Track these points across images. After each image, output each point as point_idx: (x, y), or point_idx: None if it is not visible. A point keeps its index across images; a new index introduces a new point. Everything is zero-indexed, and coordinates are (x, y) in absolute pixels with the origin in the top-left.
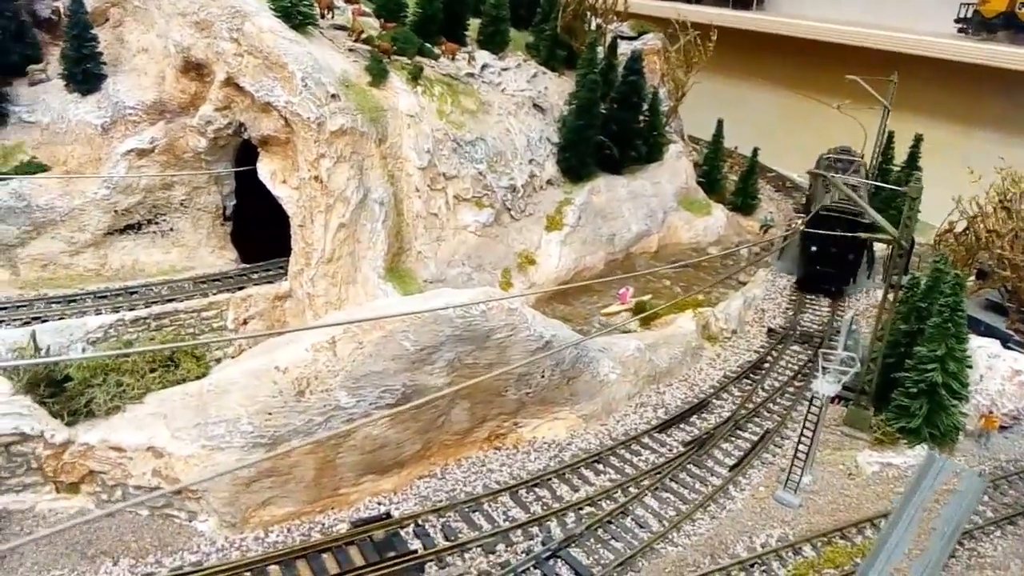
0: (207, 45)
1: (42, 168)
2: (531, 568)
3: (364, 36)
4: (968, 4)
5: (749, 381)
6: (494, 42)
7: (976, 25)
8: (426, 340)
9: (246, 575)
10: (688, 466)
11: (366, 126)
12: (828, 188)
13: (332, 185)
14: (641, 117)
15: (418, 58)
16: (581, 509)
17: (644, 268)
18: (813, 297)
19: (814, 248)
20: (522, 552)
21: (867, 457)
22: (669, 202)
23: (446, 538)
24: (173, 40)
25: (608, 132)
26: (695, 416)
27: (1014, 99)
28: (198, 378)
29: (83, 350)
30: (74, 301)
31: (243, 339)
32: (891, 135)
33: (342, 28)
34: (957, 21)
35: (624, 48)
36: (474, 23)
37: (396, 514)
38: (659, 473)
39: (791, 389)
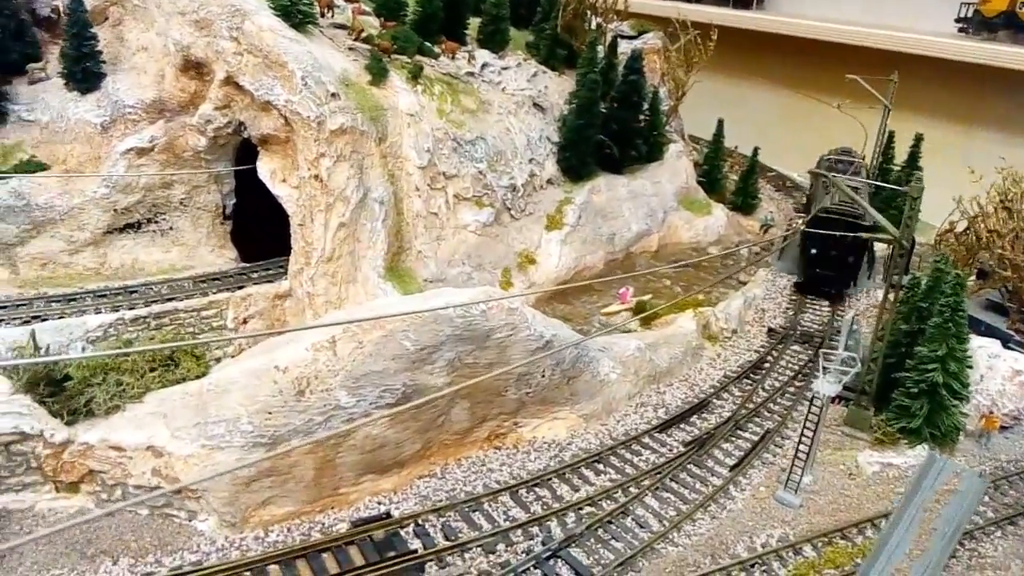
0: (207, 44)
1: (41, 167)
2: (531, 568)
3: (364, 35)
4: (969, 3)
5: (749, 381)
6: (494, 41)
7: (977, 24)
8: (426, 340)
9: (246, 575)
10: (688, 466)
11: (366, 125)
12: (828, 190)
13: (332, 184)
14: (641, 116)
15: (418, 57)
16: (581, 509)
17: (644, 268)
18: (813, 297)
19: (814, 251)
20: (522, 552)
21: (868, 457)
22: (669, 202)
23: (446, 538)
24: (173, 39)
25: (608, 131)
26: (695, 416)
27: (1015, 99)
28: (198, 377)
29: (83, 349)
30: (74, 300)
31: (243, 338)
32: (891, 135)
33: (342, 27)
34: (957, 20)
35: (624, 47)
36: (474, 22)
37: (396, 514)
38: (659, 473)
39: (791, 389)
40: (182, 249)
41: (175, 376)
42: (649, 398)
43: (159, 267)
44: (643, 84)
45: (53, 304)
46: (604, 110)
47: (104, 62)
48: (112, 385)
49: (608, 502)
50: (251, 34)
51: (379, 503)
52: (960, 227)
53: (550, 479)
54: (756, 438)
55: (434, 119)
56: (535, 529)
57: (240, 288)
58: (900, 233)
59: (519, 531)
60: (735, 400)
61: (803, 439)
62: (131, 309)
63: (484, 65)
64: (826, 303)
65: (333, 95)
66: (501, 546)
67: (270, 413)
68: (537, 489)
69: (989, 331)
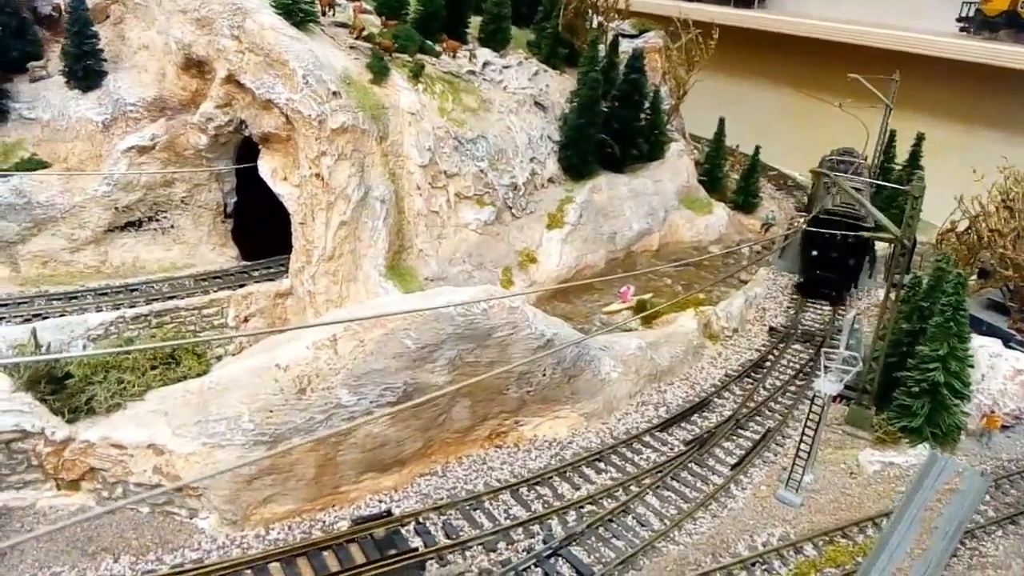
0: (208, 42)
1: (42, 165)
2: (532, 566)
3: (365, 33)
4: (970, 3)
5: (750, 380)
6: (495, 40)
7: (978, 24)
8: (427, 338)
9: (247, 572)
10: (689, 465)
11: (367, 123)
12: (830, 191)
13: (333, 183)
14: (643, 115)
15: (419, 56)
16: (582, 507)
17: (645, 267)
18: (814, 298)
19: (815, 252)
20: (523, 550)
21: (869, 456)
22: (670, 200)
23: (447, 536)
24: (174, 37)
25: (609, 130)
26: (696, 415)
27: (1016, 98)
28: (199, 375)
29: (84, 347)
30: (75, 298)
31: (244, 336)
32: (893, 134)
33: (343, 25)
34: (959, 20)
35: (625, 46)
36: (475, 21)
37: (397, 512)
38: (660, 472)
39: (792, 388)
40: (183, 247)
41: (176, 374)
42: (650, 397)
43: (160, 265)
44: (644, 83)
45: (54, 302)
46: (605, 109)
47: (105, 60)
48: (113, 383)
49: (609, 500)
50: (252, 32)
51: (380, 501)
52: (962, 226)
53: (551, 477)
54: (757, 437)
55: (435, 118)
56: (536, 527)
57: (241, 286)
58: (901, 232)
59: (520, 529)
60: (736, 399)
61: (804, 438)
62: (132, 307)
63: (485, 64)
64: (827, 302)
65: (334, 93)
66: (502, 544)
67: (271, 411)
68: (538, 487)
69: (990, 330)
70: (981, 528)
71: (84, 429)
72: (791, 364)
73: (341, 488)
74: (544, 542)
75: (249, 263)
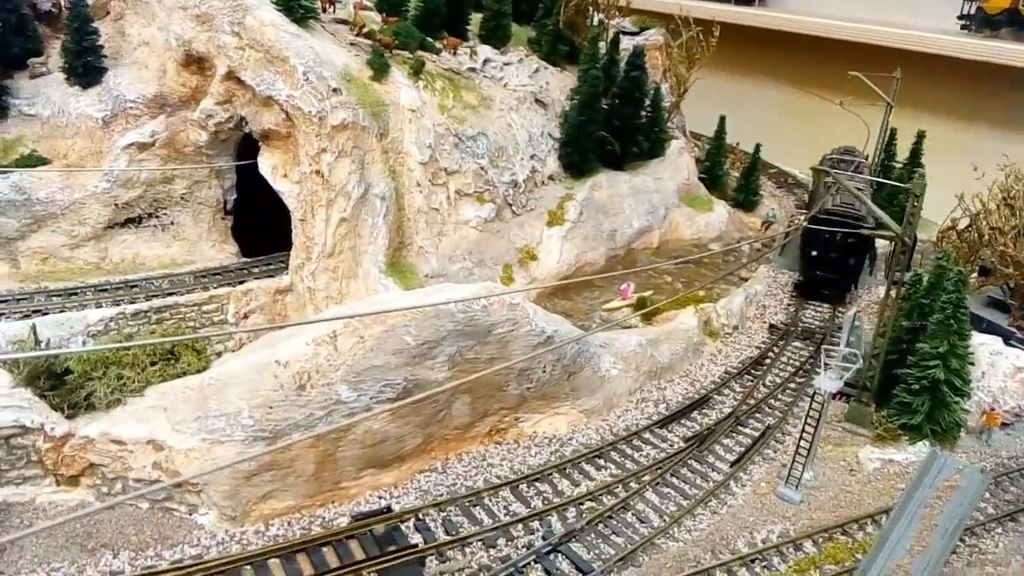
0: (208, 39)
1: (42, 161)
2: (532, 562)
3: (366, 30)
4: (971, 1)
5: (750, 377)
6: (496, 37)
7: (979, 22)
8: (427, 335)
9: (247, 568)
10: (689, 462)
11: (367, 120)
12: (829, 190)
13: (333, 179)
14: (643, 113)
15: (420, 52)
16: (582, 504)
17: (645, 264)
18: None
19: (814, 253)
20: (523, 546)
21: (868, 453)
22: (671, 198)
23: (447, 532)
24: (174, 33)
25: (610, 128)
26: (696, 412)
27: (1017, 96)
28: (199, 372)
29: (83, 343)
30: (75, 294)
31: (244, 333)
32: (893, 132)
33: (343, 22)
34: (960, 18)
35: (626, 43)
36: (476, 18)
37: (397, 508)
38: (660, 468)
39: (792, 385)
40: (183, 244)
41: (176, 370)
42: (650, 394)
43: (160, 262)
44: (645, 80)
45: (54, 298)
46: (606, 106)
47: (105, 57)
48: (113, 379)
49: (609, 497)
50: (253, 29)
51: (380, 497)
52: (962, 224)
53: (551, 474)
54: (757, 434)
55: (436, 115)
56: (535, 524)
57: (241, 283)
58: (902, 230)
59: (519, 526)
60: (736, 396)
61: (804, 435)
62: (132, 303)
63: (486, 61)
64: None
65: (335, 90)
66: (501, 540)
67: (271, 407)
68: (538, 484)
69: (991, 328)
70: (981, 525)
71: (84, 425)
72: (791, 361)
73: (341, 484)
74: (544, 538)
75: (249, 260)
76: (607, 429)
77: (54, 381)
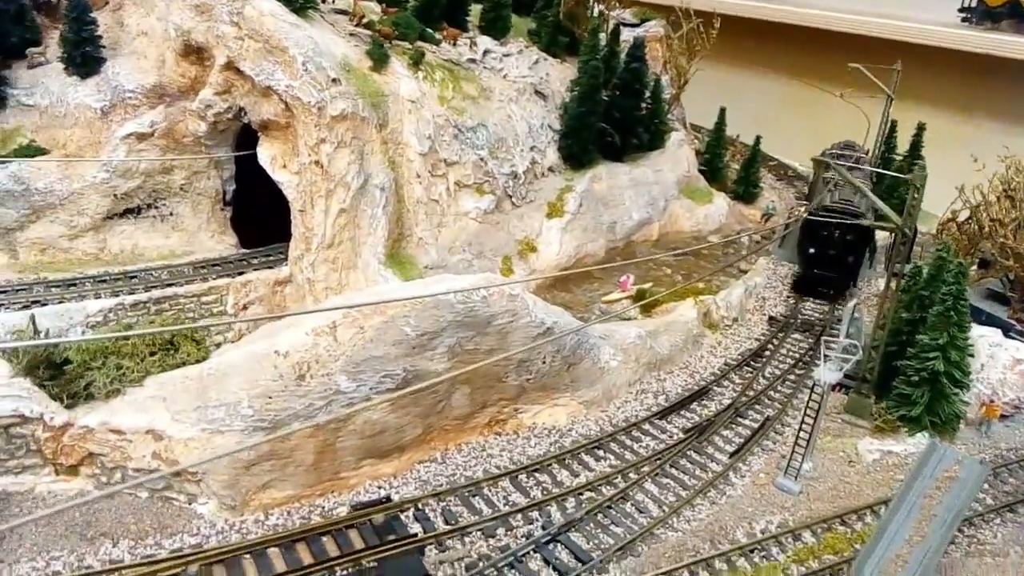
0: (207, 28)
1: (41, 151)
2: (531, 552)
3: (365, 20)
4: None
5: (750, 369)
6: (496, 28)
7: (980, 14)
8: (427, 325)
9: (246, 557)
10: (688, 452)
11: (367, 111)
12: (827, 185)
13: (332, 170)
14: (643, 104)
15: (419, 43)
16: (581, 494)
17: (645, 256)
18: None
19: (812, 250)
20: (522, 536)
21: (867, 445)
22: (670, 190)
23: (446, 522)
24: (173, 23)
25: (610, 119)
26: (695, 403)
27: (1018, 88)
28: (198, 362)
29: (82, 334)
30: (73, 285)
31: (243, 322)
32: (894, 124)
33: (343, 12)
34: (961, 10)
35: (626, 35)
36: (475, 9)
37: (396, 498)
38: (659, 459)
39: (792, 377)
40: (182, 235)
41: (175, 360)
42: (649, 385)
43: (159, 252)
44: (645, 72)
45: (53, 289)
46: (606, 98)
47: (104, 47)
48: (112, 369)
49: (608, 488)
50: (252, 19)
51: (379, 487)
52: (962, 216)
53: (550, 465)
54: (756, 425)
55: (435, 106)
56: (535, 514)
57: (240, 274)
58: (902, 221)
59: (519, 516)
60: (735, 387)
61: (803, 426)
62: (131, 294)
63: (486, 52)
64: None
65: (334, 81)
66: (501, 530)
67: (270, 397)
68: (537, 474)
69: (990, 320)
70: (979, 516)
71: (83, 414)
72: (790, 353)
73: (340, 474)
74: (543, 528)
75: (248, 251)
76: (606, 420)
77: (53, 371)
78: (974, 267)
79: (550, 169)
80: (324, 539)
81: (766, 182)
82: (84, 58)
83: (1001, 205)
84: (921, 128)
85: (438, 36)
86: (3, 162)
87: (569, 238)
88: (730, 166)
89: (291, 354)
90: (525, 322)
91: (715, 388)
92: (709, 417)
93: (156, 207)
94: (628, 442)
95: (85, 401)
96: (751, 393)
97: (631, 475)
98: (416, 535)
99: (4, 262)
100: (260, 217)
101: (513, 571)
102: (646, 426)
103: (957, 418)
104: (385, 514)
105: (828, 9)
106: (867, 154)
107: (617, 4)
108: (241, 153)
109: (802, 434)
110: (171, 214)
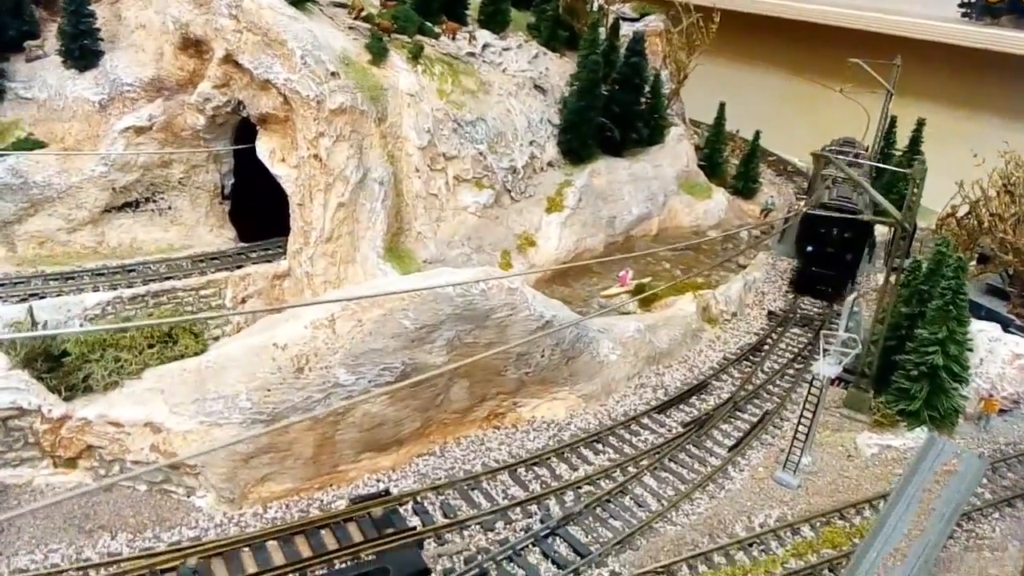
0: (205, 21)
1: (39, 145)
2: (530, 545)
3: (364, 14)
4: None
5: (749, 363)
6: (495, 22)
7: (980, 10)
8: (426, 318)
9: (245, 550)
10: (687, 447)
11: (366, 105)
12: (826, 183)
13: (331, 164)
14: (643, 99)
15: (418, 37)
16: (580, 488)
17: (644, 250)
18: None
19: (810, 249)
20: (521, 530)
21: (866, 439)
22: (670, 185)
23: (445, 515)
24: (171, 16)
25: (609, 114)
26: (694, 397)
27: (1018, 83)
28: (196, 355)
29: (80, 327)
30: (72, 278)
31: (241, 315)
32: (893, 120)
33: (342, 5)
34: (961, 6)
35: (626, 29)
36: (475, 2)
37: (395, 491)
38: (658, 453)
39: (791, 371)
40: (180, 228)
41: (173, 353)
42: (648, 379)
43: (157, 246)
44: (645, 66)
45: (51, 282)
46: (605, 92)
47: (102, 40)
48: (110, 361)
49: (607, 481)
50: (250, 12)
51: (378, 481)
52: (962, 211)
53: (549, 458)
54: (755, 419)
55: (434, 100)
56: (534, 507)
57: (239, 268)
58: (902, 216)
59: (518, 509)
60: (734, 382)
61: (802, 420)
62: (129, 288)
63: (485, 46)
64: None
65: (333, 74)
66: (500, 524)
67: (269, 390)
68: (536, 468)
69: (989, 315)
70: (978, 510)
71: (81, 407)
72: (789, 348)
73: (339, 467)
74: (542, 522)
75: (247, 244)
76: (605, 414)
77: (51, 363)
78: (973, 262)
79: (549, 164)
80: (323, 532)
81: (765, 177)
82: (82, 51)
83: (1000, 200)
84: (921, 124)
85: (437, 30)
86: (1, 155)
87: (568, 233)
88: (729, 161)
89: (290, 347)
90: (524, 315)
91: (714, 382)
92: (708, 411)
93: (154, 201)
94: (627, 436)
95: (83, 393)
96: (750, 387)
97: (630, 469)
98: (415, 528)
99: (2, 255)
100: (258, 211)
101: (512, 564)
102: (645, 420)
103: (956, 413)
104: (384, 507)
105: (828, 4)
106: (866, 151)
107: None
108: (240, 147)
109: (801, 428)
110: (169, 208)
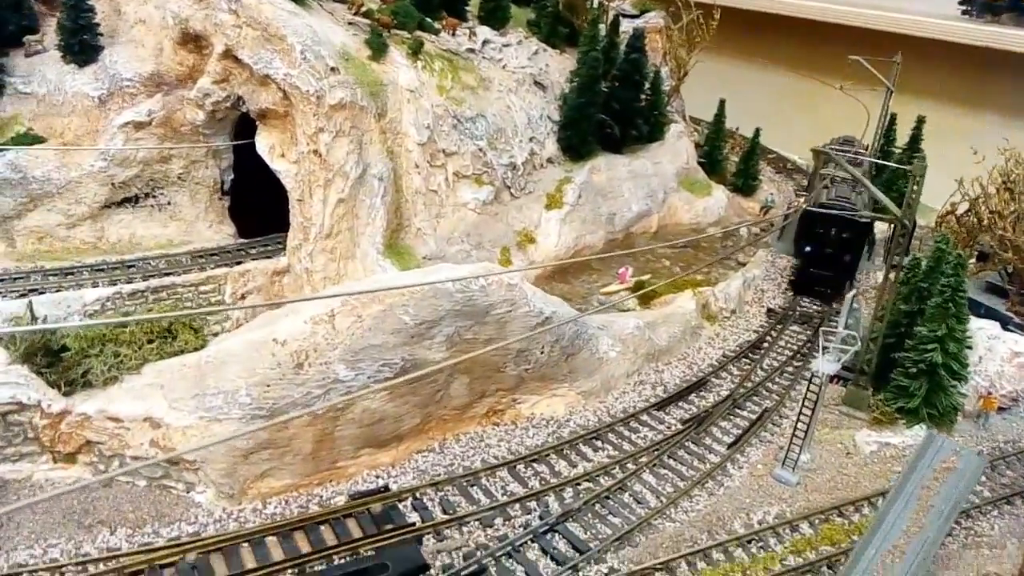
0: (205, 16)
1: (38, 140)
2: (529, 542)
3: (364, 9)
4: None
5: (748, 360)
6: (495, 18)
7: (980, 7)
8: (425, 314)
9: (244, 546)
10: (686, 444)
11: (365, 100)
12: (824, 182)
13: (331, 159)
14: (643, 96)
15: (418, 33)
16: (579, 485)
17: (644, 247)
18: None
19: (808, 249)
20: (520, 526)
21: (865, 436)
22: (670, 182)
23: (444, 512)
24: (171, 11)
25: (609, 111)
26: (693, 394)
27: (1018, 81)
28: (196, 350)
29: (80, 322)
30: (71, 274)
31: (241, 310)
32: (893, 117)
33: (342, 1)
34: (961, 3)
35: (626, 26)
36: None
37: (394, 487)
38: (657, 450)
39: (790, 369)
40: (180, 224)
41: (173, 348)
42: (647, 376)
43: (157, 242)
44: (645, 63)
45: (50, 278)
46: (605, 89)
47: (102, 35)
48: (109, 356)
49: (606, 478)
50: (250, 7)
51: (377, 477)
52: (961, 209)
53: (548, 455)
54: (754, 417)
55: (434, 95)
56: (533, 504)
57: (238, 264)
58: (902, 212)
59: (517, 506)
60: (734, 379)
61: (801, 418)
62: (128, 283)
63: (485, 42)
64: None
65: (332, 69)
66: (499, 520)
67: (268, 386)
68: (535, 464)
69: (989, 313)
70: (977, 508)
71: (80, 402)
72: (788, 345)
73: (339, 463)
74: (541, 518)
75: (246, 240)
76: (605, 411)
77: (51, 358)
78: (972, 259)
79: (549, 160)
80: (322, 528)
81: (765, 175)
82: (82, 46)
83: (1000, 197)
84: (921, 121)
85: (437, 25)
86: (1, 150)
87: (568, 229)
88: (729, 158)
89: (289, 342)
90: (523, 311)
91: (713, 379)
92: (707, 408)
93: (154, 196)
94: (626, 433)
95: (83, 388)
96: (749, 385)
97: (629, 466)
98: (414, 524)
99: (1, 251)
100: (258, 207)
101: (511, 560)
102: (644, 417)
103: (955, 410)
104: (383, 503)
105: (829, 1)
106: (866, 149)
107: None
108: (239, 142)
109: (800, 425)
110: (169, 203)
